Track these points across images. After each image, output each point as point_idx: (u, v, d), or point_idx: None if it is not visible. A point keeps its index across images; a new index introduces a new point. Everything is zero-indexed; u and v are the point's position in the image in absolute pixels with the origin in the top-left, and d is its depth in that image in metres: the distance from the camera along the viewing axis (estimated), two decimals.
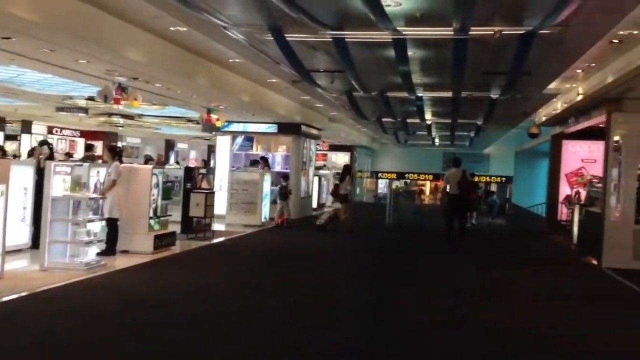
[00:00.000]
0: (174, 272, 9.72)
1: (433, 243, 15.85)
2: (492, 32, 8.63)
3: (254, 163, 19.32)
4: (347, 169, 17.33)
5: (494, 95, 13.08)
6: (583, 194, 16.81)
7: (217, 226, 15.33)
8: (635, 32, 8.58)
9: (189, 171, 14.94)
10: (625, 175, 12.29)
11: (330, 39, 9.50)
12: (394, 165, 41.94)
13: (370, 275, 10.46)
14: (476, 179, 25.30)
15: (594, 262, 12.87)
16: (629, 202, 12.22)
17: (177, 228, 13.00)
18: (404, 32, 8.87)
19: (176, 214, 13.51)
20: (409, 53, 10.35)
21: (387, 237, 16.72)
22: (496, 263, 12.76)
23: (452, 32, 8.67)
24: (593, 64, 11.30)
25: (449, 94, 14.50)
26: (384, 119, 21.08)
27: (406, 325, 6.98)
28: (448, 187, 14.77)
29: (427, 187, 47.61)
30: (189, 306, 7.34)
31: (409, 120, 21.27)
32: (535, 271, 11.68)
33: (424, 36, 9.33)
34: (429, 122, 21.94)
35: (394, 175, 42.65)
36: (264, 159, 18.67)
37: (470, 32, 8.56)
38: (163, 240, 11.33)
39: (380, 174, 43.19)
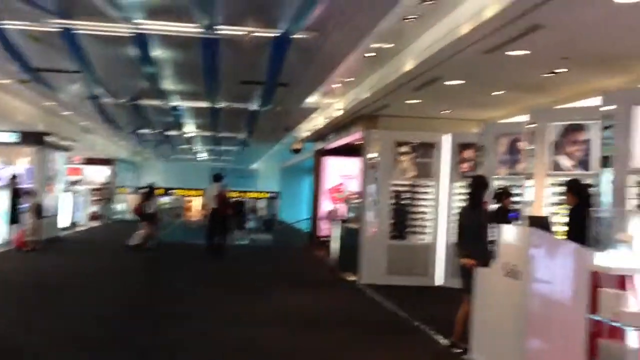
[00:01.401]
0: None
1: (187, 262, 14.75)
2: (244, 34, 7.83)
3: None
4: (152, 189, 17.13)
5: (254, 107, 12.44)
6: (343, 209, 16.90)
7: None
8: (387, 45, 8.37)
9: None
10: (380, 191, 12.34)
11: (58, 30, 7.99)
12: (161, 180, 40.04)
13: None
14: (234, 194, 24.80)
15: (353, 278, 12.75)
16: (384, 218, 12.28)
17: None
18: (142, 26, 7.70)
19: None
20: (156, 53, 9.19)
21: (135, 258, 15.23)
22: (253, 282, 12.11)
23: (199, 30, 7.70)
24: (350, 79, 11.15)
25: (207, 104, 13.56)
26: (141, 130, 19.53)
27: None
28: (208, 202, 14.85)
29: (195, 203, 46.31)
30: None
31: (169, 133, 19.96)
32: (290, 290, 11.16)
33: (168, 32, 8.24)
34: (190, 135, 20.82)
35: (162, 191, 40.73)
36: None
37: (219, 32, 7.68)
38: None
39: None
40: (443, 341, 7.36)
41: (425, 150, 12.44)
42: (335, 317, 9.13)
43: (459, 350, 6.85)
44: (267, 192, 39.19)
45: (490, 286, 6.38)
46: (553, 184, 8.65)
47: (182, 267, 14.23)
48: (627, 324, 4.22)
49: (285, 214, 32.13)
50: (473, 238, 6.79)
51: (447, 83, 9.27)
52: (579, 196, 6.22)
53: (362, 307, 10.08)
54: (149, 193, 16.87)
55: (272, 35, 7.89)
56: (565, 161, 8.61)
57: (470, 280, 6.70)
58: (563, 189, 8.37)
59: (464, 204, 11.80)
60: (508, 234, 6.13)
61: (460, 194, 12.08)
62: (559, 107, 9.58)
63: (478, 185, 6.97)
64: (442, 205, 12.18)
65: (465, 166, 12.15)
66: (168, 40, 8.80)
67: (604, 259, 4.46)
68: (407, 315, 9.02)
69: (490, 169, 10.28)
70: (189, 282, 11.76)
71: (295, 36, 7.84)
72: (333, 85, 11.92)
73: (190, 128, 19.46)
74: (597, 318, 4.51)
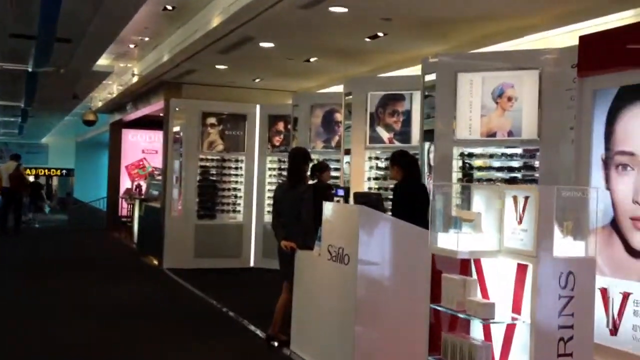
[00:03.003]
0: None
1: None
2: None
3: None
4: None
5: (31, 68, 10.53)
6: (145, 187, 15.51)
7: None
8: None
9: None
10: (186, 167, 11.22)
11: None
12: None
13: None
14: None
15: (155, 262, 11.56)
16: (190, 196, 11.20)
17: None
18: None
19: None
20: None
21: None
22: (44, 269, 10.54)
23: None
24: (148, 38, 9.81)
25: None
26: None
27: None
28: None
29: None
30: None
31: None
32: (86, 278, 9.72)
33: None
34: None
35: None
36: None
37: None
38: None
39: None
40: (261, 333, 6.56)
41: (235, 122, 11.56)
42: (137, 307, 7.95)
43: (277, 344, 6.09)
44: (60, 169, 35.98)
45: (313, 271, 5.67)
46: (372, 158, 8.20)
47: None
48: (472, 315, 3.65)
49: (82, 192, 29.58)
50: (292, 217, 6.01)
51: (260, 45, 8.36)
52: (405, 169, 5.68)
53: (168, 296, 8.97)
54: None
55: None
56: (384, 133, 8.17)
57: (290, 266, 5.94)
58: (386, 163, 8.02)
59: (279, 180, 11.42)
60: (333, 212, 5.43)
61: (273, 169, 11.41)
62: (378, 76, 9.13)
63: (297, 158, 6.18)
64: (254, 181, 11.39)
65: (277, 139, 11.47)
66: None
67: (447, 241, 3.88)
68: (219, 303, 8.10)
69: (304, 143, 9.64)
70: None
71: None
72: (129, 46, 10.47)
73: None
74: (439, 308, 3.91)
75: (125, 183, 17.89)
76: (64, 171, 35.02)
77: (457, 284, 3.83)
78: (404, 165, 5.74)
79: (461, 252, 3.77)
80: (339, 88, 10.64)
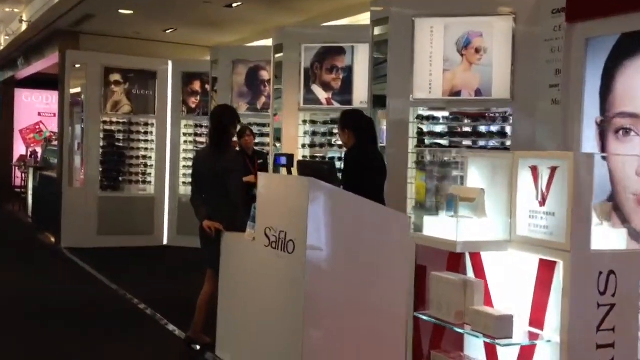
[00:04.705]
0: None
1: None
2: None
3: None
4: None
5: None
6: (40, 154, 13.79)
7: None
8: None
9: None
10: (87, 131, 9.73)
11: None
12: None
13: None
14: None
15: (52, 240, 10.08)
16: (93, 165, 9.72)
17: None
18: None
19: None
20: None
21: None
22: None
23: None
24: None
25: None
26: None
27: None
28: None
29: None
30: None
31: None
32: None
33: None
34: None
35: None
36: None
37: None
38: None
39: None
40: (180, 333, 5.38)
41: (144, 80, 10.12)
42: (28, 298, 6.56)
43: (199, 347, 4.94)
44: None
45: (245, 260, 4.52)
46: (307, 122, 7.08)
47: None
48: (479, 332, 2.64)
49: None
50: (217, 192, 4.83)
51: None
52: (358, 133, 4.59)
53: (65, 282, 7.56)
54: None
55: None
56: (320, 92, 7.05)
57: (214, 251, 4.77)
58: (329, 126, 6.93)
59: (196, 147, 10.14)
60: (271, 186, 4.29)
61: (189, 134, 10.10)
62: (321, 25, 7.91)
63: (223, 119, 4.96)
64: (167, 148, 10.03)
65: (193, 101, 10.14)
66: None
67: (438, 228, 2.84)
68: (126, 292, 6.82)
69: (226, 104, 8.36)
70: None
71: None
72: None
73: None
74: (427, 318, 2.89)
75: (20, 150, 15.99)
76: None
77: (454, 286, 2.81)
78: (356, 128, 4.64)
79: (462, 244, 2.74)
80: (264, 43, 9.48)
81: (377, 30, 5.73)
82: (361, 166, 4.50)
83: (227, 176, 4.82)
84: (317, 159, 6.20)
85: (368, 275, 3.85)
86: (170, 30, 9.90)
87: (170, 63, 10.03)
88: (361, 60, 6.77)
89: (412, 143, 5.39)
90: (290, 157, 4.45)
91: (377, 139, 4.79)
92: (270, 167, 6.71)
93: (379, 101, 5.76)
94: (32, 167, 12.91)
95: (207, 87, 9.66)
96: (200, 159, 5.13)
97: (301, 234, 3.80)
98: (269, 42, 9.00)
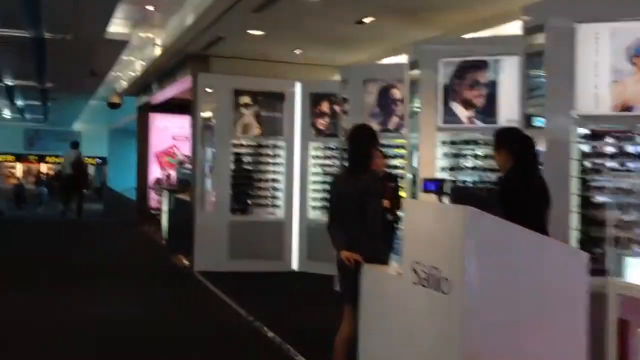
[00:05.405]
0: None
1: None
2: None
3: None
4: None
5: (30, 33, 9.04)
6: (174, 177, 14.11)
7: None
8: None
9: None
10: (217, 154, 9.74)
11: None
12: None
13: None
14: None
15: (186, 263, 10.14)
16: (223, 188, 9.70)
17: None
18: None
19: None
20: None
21: None
22: (65, 273, 9.02)
23: None
24: None
25: None
26: None
27: None
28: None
29: (18, 169, 40.33)
30: None
31: None
32: (105, 284, 8.29)
33: None
34: None
35: None
36: None
37: None
38: None
39: None
40: None
41: (272, 102, 10.02)
42: (159, 326, 6.49)
43: None
44: (95, 158, 35.08)
45: (390, 297, 4.08)
46: (446, 143, 6.54)
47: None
48: None
49: (115, 181, 28.65)
50: (355, 219, 4.43)
51: None
52: (517, 154, 4.04)
53: (196, 307, 7.49)
54: None
55: None
56: (461, 111, 6.50)
57: (353, 285, 4.36)
58: (471, 147, 6.38)
59: (324, 169, 9.90)
60: (420, 215, 3.83)
61: (318, 157, 9.84)
62: (460, 37, 7.36)
63: (360, 140, 4.58)
64: (296, 171, 9.83)
65: (322, 122, 9.89)
66: None
67: None
68: (256, 319, 6.59)
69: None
70: None
71: None
72: (146, 7, 8.91)
73: None
74: None
75: (155, 172, 16.53)
76: (98, 160, 34.03)
77: None
78: (514, 148, 4.08)
79: None
80: (394, 60, 9.08)
81: (529, 40, 5.13)
82: (523, 192, 3.93)
83: (366, 200, 4.41)
84: (472, 184, 5.65)
85: (538, 323, 3.28)
86: (299, 51, 9.73)
87: (298, 84, 9.88)
88: (507, 74, 6.20)
89: (576, 167, 4.72)
90: (441, 183, 3.97)
91: (537, 160, 4.20)
92: (415, 192, 6.25)
93: (531, 119, 5.15)
94: (167, 190, 13.20)
95: (336, 107, 9.39)
96: (337, 183, 4.77)
97: (458, 272, 3.31)
98: (400, 59, 8.63)
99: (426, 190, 4.34)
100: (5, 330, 6.18)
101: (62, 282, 8.63)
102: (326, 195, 8.13)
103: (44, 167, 37.65)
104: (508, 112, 6.13)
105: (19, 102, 20.70)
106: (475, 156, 6.37)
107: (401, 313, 3.92)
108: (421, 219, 3.77)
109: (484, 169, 6.16)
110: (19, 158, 37.43)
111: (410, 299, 3.76)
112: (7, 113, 26.41)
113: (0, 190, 24.03)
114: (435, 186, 4.02)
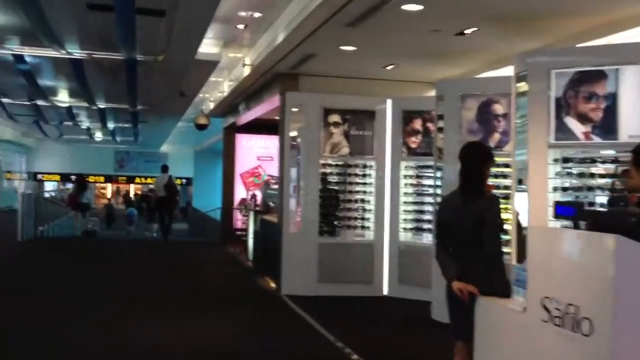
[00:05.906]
0: None
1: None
2: None
3: None
4: (82, 179, 19.73)
5: (123, 55, 9.08)
6: (260, 197, 13.99)
7: None
8: None
9: None
10: (305, 173, 9.46)
11: None
12: (59, 165, 35.80)
13: None
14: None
15: (272, 286, 9.87)
16: (311, 209, 9.40)
17: None
18: None
19: None
20: None
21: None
22: (146, 294, 8.94)
23: None
24: (259, 13, 8.09)
25: (57, 53, 9.91)
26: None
27: None
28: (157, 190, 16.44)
29: (108, 189, 41.81)
30: None
31: (38, 102, 16.22)
32: (189, 308, 8.10)
33: None
34: (65, 105, 17.07)
35: (57, 177, 36.66)
36: None
37: None
38: None
39: (40, 176, 36.65)
40: None
41: (362, 120, 9.67)
42: (246, 350, 6.21)
43: None
44: (181, 178, 35.97)
45: (511, 336, 3.61)
46: (559, 160, 5.98)
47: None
48: None
49: (200, 201, 29.15)
50: (469, 246, 4.00)
51: (403, 8, 6.34)
52: None
53: (286, 333, 7.16)
54: (81, 183, 18.95)
55: None
56: (577, 126, 5.92)
57: (466, 320, 3.92)
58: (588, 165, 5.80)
59: (417, 190, 9.45)
60: (550, 243, 3.35)
61: (410, 176, 9.39)
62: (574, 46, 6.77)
63: (473, 159, 4.16)
64: (387, 191, 9.41)
65: (414, 141, 9.44)
66: None
67: None
68: (348, 347, 6.19)
69: (453, 144, 7.51)
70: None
71: None
72: (237, 26, 8.77)
73: (63, 97, 15.80)
74: None
75: (240, 192, 16.54)
76: (184, 180, 34.81)
77: None
78: None
79: None
80: (494, 74, 8.57)
81: None
82: None
83: (481, 226, 3.97)
84: (617, 209, 5.07)
85: None
86: (390, 67, 9.35)
87: (389, 101, 9.50)
88: (629, 85, 5.60)
89: None
90: (578, 207, 3.47)
91: None
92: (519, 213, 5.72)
93: None
94: (253, 211, 13.08)
95: (429, 125, 8.94)
96: (447, 206, 4.35)
97: (604, 311, 2.83)
98: (500, 72, 8.12)
99: (560, 216, 3.83)
100: (93, 347, 6.06)
101: (148, 301, 8.54)
102: (434, 218, 7.66)
103: (132, 188, 38.89)
104: (630, 126, 5.53)
105: (110, 125, 21.32)
106: (592, 175, 5.78)
107: (527, 354, 3.45)
108: (553, 249, 3.29)
109: (601, 188, 5.57)
110: (109, 179, 38.76)
111: (538, 339, 3.30)
112: (99, 135, 27.36)
113: (94, 211, 24.87)
114: (573, 211, 3.50)
